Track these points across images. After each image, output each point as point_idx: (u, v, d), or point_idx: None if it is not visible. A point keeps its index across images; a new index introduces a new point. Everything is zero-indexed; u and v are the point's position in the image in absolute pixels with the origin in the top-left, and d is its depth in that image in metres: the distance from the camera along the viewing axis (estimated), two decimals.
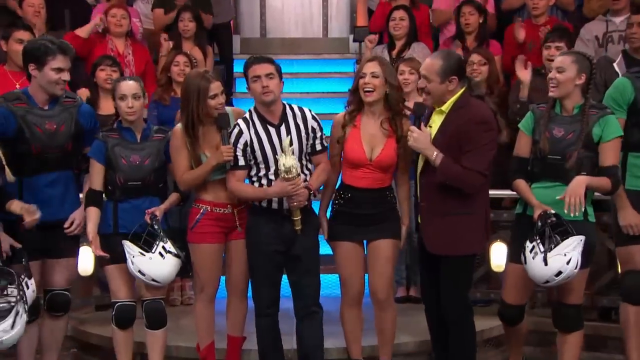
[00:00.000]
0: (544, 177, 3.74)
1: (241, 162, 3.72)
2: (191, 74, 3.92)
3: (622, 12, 5.61)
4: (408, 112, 3.78)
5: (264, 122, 3.72)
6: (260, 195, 3.71)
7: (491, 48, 5.69)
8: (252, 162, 3.73)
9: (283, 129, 3.72)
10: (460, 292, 3.75)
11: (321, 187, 3.89)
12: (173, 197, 3.91)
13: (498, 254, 4.85)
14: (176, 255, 3.73)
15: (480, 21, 5.78)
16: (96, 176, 3.81)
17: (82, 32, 5.66)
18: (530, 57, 5.32)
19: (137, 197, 3.80)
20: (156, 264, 3.69)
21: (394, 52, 5.81)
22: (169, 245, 3.72)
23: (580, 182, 3.59)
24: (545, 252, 3.51)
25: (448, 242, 3.62)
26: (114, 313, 3.86)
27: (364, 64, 3.75)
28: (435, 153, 3.54)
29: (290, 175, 3.56)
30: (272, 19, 8.65)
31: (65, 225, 3.87)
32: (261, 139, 3.70)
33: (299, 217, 3.67)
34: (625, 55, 5.06)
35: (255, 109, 3.76)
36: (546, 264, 3.51)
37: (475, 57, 5.15)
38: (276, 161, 3.66)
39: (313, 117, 3.78)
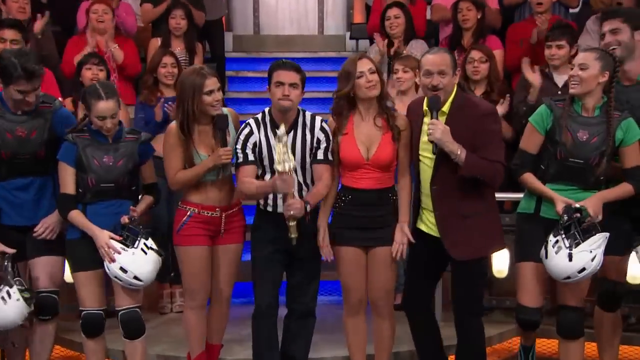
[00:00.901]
0: (560, 179, 3.71)
1: (250, 157, 3.73)
2: (187, 70, 3.89)
3: None
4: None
5: (274, 128, 3.72)
6: (258, 191, 3.70)
7: (491, 43, 5.66)
8: (259, 163, 3.75)
9: (290, 136, 3.71)
10: (481, 294, 3.82)
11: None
12: (147, 200, 3.87)
13: (500, 260, 4.82)
14: (158, 253, 3.70)
15: (479, 17, 5.74)
16: (69, 180, 3.74)
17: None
18: (533, 56, 5.29)
19: (109, 199, 3.75)
20: (139, 259, 3.65)
21: (392, 51, 5.76)
22: (150, 242, 3.69)
23: (599, 199, 3.63)
24: (570, 248, 3.50)
25: (475, 246, 3.62)
26: (81, 322, 3.82)
27: (355, 64, 3.71)
28: (459, 147, 3.51)
29: (280, 168, 3.53)
30: (265, 15, 8.62)
31: (35, 229, 3.83)
32: (270, 143, 3.71)
33: (294, 224, 3.63)
34: None
35: (269, 111, 3.77)
36: (571, 260, 3.50)
37: (475, 54, 5.11)
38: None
39: (321, 129, 3.76)
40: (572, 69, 3.74)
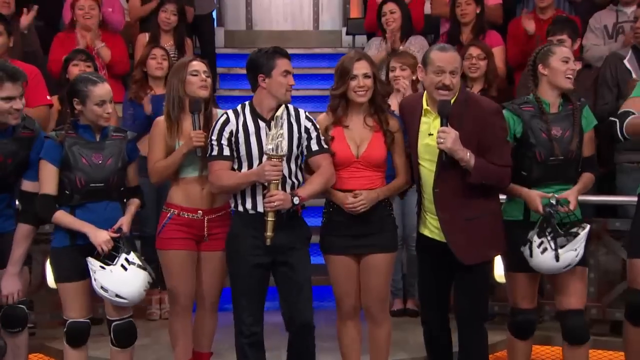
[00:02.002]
0: (544, 181, 3.72)
1: (226, 151, 3.62)
2: (179, 60, 4.04)
3: (634, 2, 5.55)
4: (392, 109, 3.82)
5: (255, 116, 3.63)
6: (241, 181, 3.59)
7: (491, 39, 5.64)
8: (235, 155, 3.64)
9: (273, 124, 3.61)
10: (486, 300, 3.83)
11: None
12: (134, 204, 3.81)
13: (502, 264, 4.77)
14: (141, 267, 3.60)
15: (478, 12, 5.72)
16: (51, 180, 3.65)
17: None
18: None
19: (98, 200, 3.67)
20: (118, 277, 3.56)
21: (390, 47, 5.72)
22: (132, 257, 3.60)
23: (576, 193, 3.70)
24: (556, 249, 3.57)
25: (482, 249, 3.62)
26: (65, 330, 3.73)
27: (352, 64, 3.66)
28: (469, 153, 3.51)
29: (272, 153, 3.44)
30: (259, 10, 8.58)
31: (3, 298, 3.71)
32: (248, 132, 3.61)
33: (273, 220, 3.50)
34: (636, 51, 5.00)
35: (250, 103, 3.69)
36: (558, 260, 3.58)
37: (474, 51, 5.07)
38: (262, 158, 3.57)
39: (307, 117, 3.70)
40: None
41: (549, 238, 3.57)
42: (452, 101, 3.57)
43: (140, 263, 3.61)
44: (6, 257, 3.75)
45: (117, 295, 3.58)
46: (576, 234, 3.62)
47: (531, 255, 3.62)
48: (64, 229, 3.66)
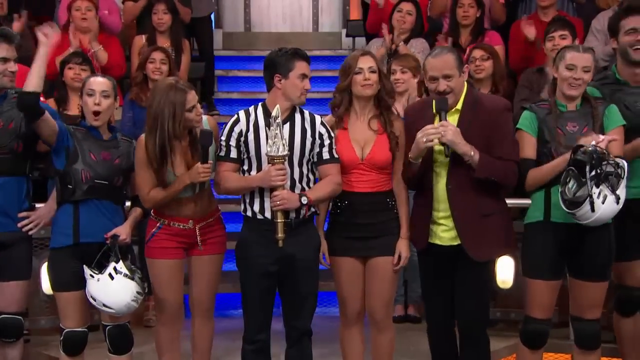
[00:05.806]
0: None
1: (233, 154, 3.64)
2: (159, 86, 3.69)
3: None
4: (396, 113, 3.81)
5: (267, 116, 3.61)
6: (244, 185, 3.63)
7: (490, 39, 5.67)
8: (245, 156, 3.65)
9: (287, 127, 3.62)
10: (486, 304, 3.82)
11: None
12: (136, 212, 3.81)
13: (504, 269, 4.80)
14: (128, 277, 3.59)
15: (478, 15, 5.78)
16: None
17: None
18: (539, 55, 5.29)
19: (101, 199, 3.69)
20: (105, 287, 3.57)
21: (392, 47, 5.73)
22: (120, 266, 3.59)
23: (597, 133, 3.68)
24: (614, 191, 3.51)
25: (494, 246, 3.66)
26: (62, 339, 3.75)
27: (357, 59, 3.72)
28: (472, 148, 3.52)
29: (272, 153, 3.47)
30: (257, 11, 8.61)
31: (21, 222, 3.77)
32: (259, 132, 3.61)
33: (281, 221, 3.53)
34: None
35: (263, 104, 3.70)
36: (618, 202, 3.53)
37: (477, 53, 5.10)
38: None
39: (322, 123, 3.70)
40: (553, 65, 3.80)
41: (606, 184, 3.50)
42: (461, 101, 3.61)
43: (127, 273, 3.59)
44: (11, 271, 3.78)
45: (104, 305, 3.60)
46: (616, 166, 3.52)
47: (593, 210, 3.51)
48: (63, 227, 3.69)
